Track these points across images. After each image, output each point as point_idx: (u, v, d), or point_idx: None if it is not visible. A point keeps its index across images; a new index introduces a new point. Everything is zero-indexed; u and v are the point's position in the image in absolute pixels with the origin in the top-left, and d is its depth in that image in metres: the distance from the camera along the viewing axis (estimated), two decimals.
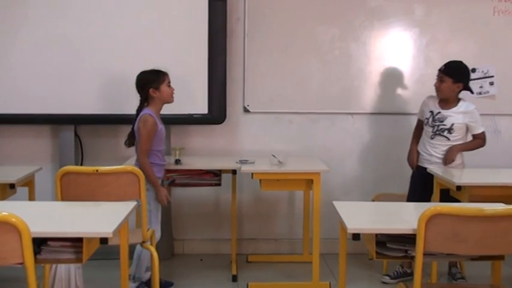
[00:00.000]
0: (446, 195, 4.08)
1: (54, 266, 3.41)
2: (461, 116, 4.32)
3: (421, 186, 4.35)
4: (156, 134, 4.00)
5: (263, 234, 5.23)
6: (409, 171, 5.05)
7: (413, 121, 5.05)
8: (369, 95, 5.04)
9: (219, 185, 4.55)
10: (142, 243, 3.73)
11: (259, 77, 5.08)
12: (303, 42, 5.07)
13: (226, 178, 4.61)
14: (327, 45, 5.09)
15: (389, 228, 2.75)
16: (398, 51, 5.13)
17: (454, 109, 4.34)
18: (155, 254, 3.67)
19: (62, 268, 3.43)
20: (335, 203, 3.18)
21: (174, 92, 4.13)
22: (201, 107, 4.89)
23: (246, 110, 5.12)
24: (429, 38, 5.13)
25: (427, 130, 4.43)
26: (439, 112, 4.36)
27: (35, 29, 4.78)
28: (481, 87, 5.14)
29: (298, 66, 5.09)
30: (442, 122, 4.34)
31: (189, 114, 4.87)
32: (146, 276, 4.11)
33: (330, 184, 4.94)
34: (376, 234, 2.72)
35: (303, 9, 5.05)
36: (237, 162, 4.46)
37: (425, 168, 4.33)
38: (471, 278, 4.49)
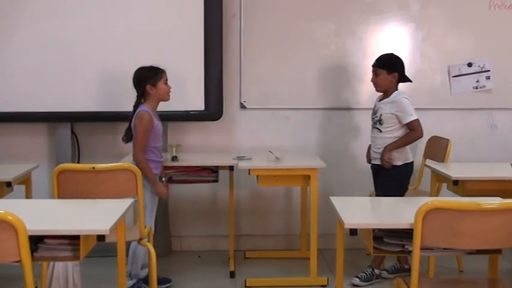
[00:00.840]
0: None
1: (51, 263, 3.41)
2: (388, 106, 4.28)
3: (375, 182, 4.43)
4: (152, 131, 4.00)
5: (260, 230, 5.23)
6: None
7: None
8: (365, 91, 5.03)
9: (216, 181, 4.55)
10: (139, 241, 3.72)
11: (255, 73, 5.08)
12: (299, 37, 5.07)
13: (223, 174, 4.62)
14: (323, 40, 5.09)
15: (387, 223, 2.76)
16: (395, 46, 5.11)
17: (385, 100, 4.33)
18: (152, 251, 3.66)
19: (59, 266, 3.43)
20: (332, 198, 3.18)
21: (170, 90, 4.12)
22: (197, 103, 4.88)
23: (242, 106, 5.12)
24: (425, 33, 5.13)
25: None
26: (376, 105, 4.41)
27: (31, 27, 4.77)
28: (477, 81, 5.14)
29: (295, 62, 5.08)
30: (375, 114, 4.37)
31: (186, 111, 4.87)
32: (143, 273, 4.11)
33: (327, 180, 4.94)
34: (373, 229, 2.73)
35: (299, 4, 5.05)
36: (234, 159, 4.46)
37: (375, 165, 4.39)
38: (468, 271, 4.51)
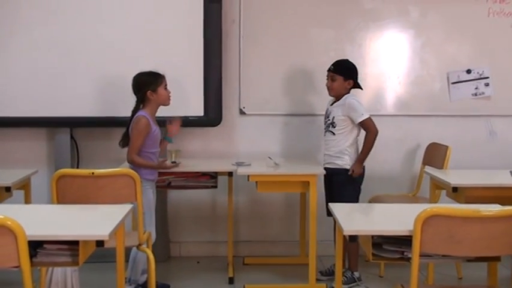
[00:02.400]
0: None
1: (50, 269, 3.41)
2: (340, 108, 4.37)
3: (326, 187, 4.48)
4: (149, 136, 4.00)
5: (259, 236, 5.23)
6: (405, 173, 5.09)
7: (411, 122, 5.10)
8: (364, 97, 5.03)
9: (215, 187, 4.55)
10: (138, 246, 3.72)
11: (254, 79, 5.08)
12: (299, 44, 5.08)
13: (222, 180, 4.62)
14: (322, 46, 5.10)
15: (386, 230, 2.75)
16: (394, 52, 5.14)
17: (336, 103, 4.42)
18: (151, 257, 3.66)
19: (58, 271, 3.43)
20: (331, 204, 3.18)
21: (170, 95, 4.13)
22: (196, 109, 4.89)
23: (241, 112, 5.13)
24: (424, 40, 5.14)
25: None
26: (328, 109, 4.48)
27: (29, 32, 4.77)
28: (476, 88, 5.15)
29: (294, 68, 5.09)
30: (328, 117, 4.45)
31: (185, 117, 4.85)
32: (142, 279, 4.10)
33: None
34: (373, 236, 2.72)
35: (298, 11, 5.06)
36: (233, 164, 4.46)
37: (328, 168, 4.39)
38: (467, 279, 4.50)
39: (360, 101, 4.39)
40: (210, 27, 4.85)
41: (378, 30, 5.12)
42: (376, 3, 5.09)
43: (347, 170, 4.33)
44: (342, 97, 4.40)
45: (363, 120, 4.32)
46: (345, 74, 4.37)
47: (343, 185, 4.34)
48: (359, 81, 4.45)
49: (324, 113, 4.59)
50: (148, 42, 4.82)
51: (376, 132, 4.33)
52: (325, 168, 4.39)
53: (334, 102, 4.45)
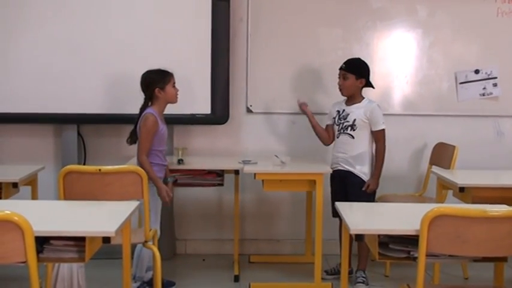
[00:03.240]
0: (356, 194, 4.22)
1: (56, 265, 3.42)
2: (362, 111, 4.33)
3: (335, 188, 4.41)
4: (156, 134, 4.00)
5: (265, 234, 5.23)
6: (412, 172, 5.07)
7: (418, 122, 5.09)
8: (371, 96, 5.01)
9: (222, 185, 4.55)
10: (144, 243, 3.73)
11: (262, 78, 5.08)
12: (306, 42, 5.07)
13: (228, 178, 4.62)
14: (330, 45, 5.09)
15: (392, 230, 2.74)
16: (402, 52, 5.13)
17: (357, 105, 4.37)
18: (157, 254, 3.66)
19: (64, 267, 3.43)
20: (338, 204, 3.18)
21: (178, 93, 4.13)
22: (204, 107, 4.89)
23: (249, 111, 5.13)
24: (432, 39, 5.13)
25: (335, 130, 4.46)
26: (344, 110, 4.41)
27: (38, 29, 4.79)
28: (484, 88, 5.13)
29: (301, 67, 5.09)
30: (346, 118, 4.38)
31: (192, 114, 4.87)
32: (148, 276, 4.11)
33: None
34: (379, 235, 2.72)
35: (306, 9, 5.05)
36: (239, 163, 4.46)
37: (337, 170, 4.38)
38: (473, 279, 4.49)
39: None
40: (217, 26, 4.85)
41: (386, 29, 5.11)
42: (384, 3, 5.08)
43: (364, 179, 4.32)
44: (357, 97, 4.37)
45: (380, 130, 4.32)
46: (356, 72, 4.35)
47: (361, 188, 4.31)
48: (370, 80, 4.43)
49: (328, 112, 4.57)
50: (156, 40, 4.83)
51: (385, 146, 4.34)
52: (339, 170, 4.38)
53: (350, 103, 4.38)
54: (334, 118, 4.46)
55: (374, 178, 4.33)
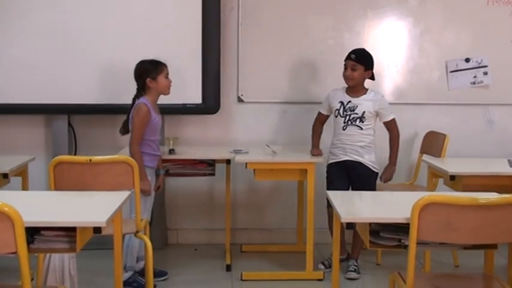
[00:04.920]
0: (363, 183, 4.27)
1: (48, 255, 3.41)
2: (371, 103, 4.34)
3: (340, 178, 4.38)
4: (149, 124, 4.00)
5: (257, 224, 5.23)
6: (404, 161, 5.07)
7: (409, 111, 5.08)
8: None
9: (213, 174, 4.55)
10: (136, 233, 3.72)
11: (253, 67, 5.07)
12: (297, 31, 5.06)
13: (220, 168, 4.62)
14: (320, 34, 5.08)
15: (383, 218, 2.75)
16: (392, 40, 5.12)
17: (364, 97, 4.37)
18: (149, 244, 3.66)
19: (55, 258, 3.42)
20: (329, 192, 3.19)
21: (171, 84, 4.12)
22: (194, 96, 4.88)
23: (240, 100, 5.12)
24: (423, 28, 5.12)
25: (339, 121, 4.41)
26: (350, 101, 4.38)
27: (28, 18, 4.75)
28: (475, 77, 5.14)
29: (292, 56, 5.08)
30: (354, 110, 4.35)
31: (183, 104, 4.86)
32: (139, 265, 4.11)
33: (324, 174, 4.93)
34: (370, 224, 2.73)
35: None
36: (231, 152, 4.46)
37: (342, 161, 4.38)
38: (464, 267, 4.52)
39: None
40: (208, 15, 4.83)
41: (377, 18, 5.10)
42: None
43: (372, 168, 4.36)
44: (361, 89, 4.36)
45: (391, 120, 4.38)
46: (366, 64, 4.33)
47: (369, 177, 4.36)
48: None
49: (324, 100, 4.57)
50: (146, 30, 4.80)
51: (399, 133, 4.42)
52: (346, 161, 4.37)
53: (356, 94, 4.36)
54: (338, 110, 4.40)
55: (391, 165, 4.43)
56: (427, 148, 4.85)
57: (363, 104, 4.34)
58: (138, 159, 3.86)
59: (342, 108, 4.39)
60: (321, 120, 4.57)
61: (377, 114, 4.37)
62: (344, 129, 4.39)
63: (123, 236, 3.63)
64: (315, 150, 4.43)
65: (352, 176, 4.38)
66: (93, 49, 4.79)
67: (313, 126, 4.59)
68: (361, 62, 4.32)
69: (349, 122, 4.37)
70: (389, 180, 4.47)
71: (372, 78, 4.42)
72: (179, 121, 5.07)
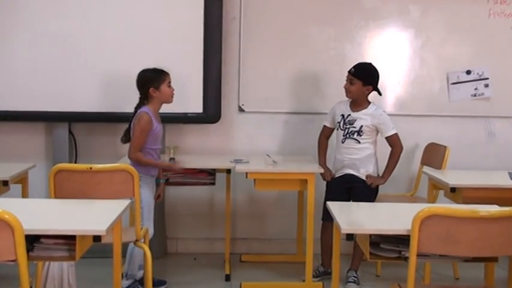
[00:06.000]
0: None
1: (46, 263, 3.40)
2: (369, 118, 4.32)
3: (339, 193, 4.31)
4: (151, 132, 4.00)
5: (257, 233, 5.22)
6: (405, 173, 5.07)
7: (409, 122, 5.08)
8: None
9: (213, 184, 4.55)
10: (135, 242, 3.72)
11: (254, 77, 5.08)
12: (298, 42, 5.07)
13: (220, 177, 4.61)
14: (322, 45, 5.09)
15: (383, 229, 2.75)
16: (394, 52, 5.13)
17: (364, 111, 4.34)
18: (148, 253, 3.65)
19: (54, 266, 3.42)
20: (329, 203, 3.18)
21: (174, 92, 4.12)
22: (195, 106, 4.88)
23: (240, 110, 5.12)
24: (424, 39, 5.13)
25: (339, 134, 4.43)
26: (349, 115, 4.37)
27: (30, 26, 4.77)
28: (476, 89, 5.15)
29: (293, 66, 5.09)
30: (352, 124, 4.35)
31: (184, 113, 4.87)
32: (139, 274, 4.10)
33: (324, 184, 4.93)
34: (370, 235, 2.72)
35: (299, 9, 5.05)
36: (231, 162, 4.45)
37: (341, 175, 4.38)
38: (464, 279, 4.50)
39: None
40: (210, 24, 4.84)
41: (378, 29, 5.12)
42: (376, 2, 5.08)
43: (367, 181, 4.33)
44: (363, 103, 4.34)
45: (392, 135, 4.32)
46: (364, 79, 4.30)
47: (364, 190, 4.32)
48: (379, 86, 4.39)
49: (326, 111, 4.57)
50: (148, 38, 4.81)
51: (402, 150, 4.36)
52: (344, 175, 4.37)
53: (356, 108, 4.34)
54: (339, 123, 4.41)
55: (382, 178, 4.37)
56: (427, 160, 4.84)
57: (362, 118, 4.33)
58: (144, 162, 3.93)
59: (342, 121, 4.40)
60: (325, 135, 4.57)
61: (377, 129, 4.36)
62: (343, 142, 4.39)
63: (125, 244, 3.62)
64: (326, 172, 4.43)
65: (350, 189, 4.37)
66: (94, 57, 4.80)
67: (319, 141, 4.60)
68: (358, 76, 4.30)
69: (348, 135, 4.37)
70: (372, 185, 4.35)
71: (378, 93, 4.38)
72: (180, 130, 5.07)
